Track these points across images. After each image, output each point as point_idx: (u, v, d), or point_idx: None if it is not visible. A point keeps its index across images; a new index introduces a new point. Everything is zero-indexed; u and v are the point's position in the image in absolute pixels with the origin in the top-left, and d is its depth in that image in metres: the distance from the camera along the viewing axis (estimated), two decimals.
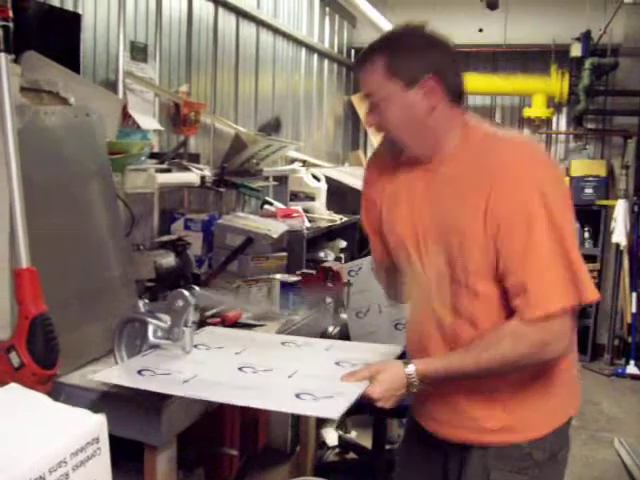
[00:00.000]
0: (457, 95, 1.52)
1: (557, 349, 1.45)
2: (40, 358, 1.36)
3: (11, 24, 1.49)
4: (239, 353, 1.71)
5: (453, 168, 1.51)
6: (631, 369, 5.23)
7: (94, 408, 0.98)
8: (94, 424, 0.93)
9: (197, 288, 1.67)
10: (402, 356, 1.67)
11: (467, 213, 1.46)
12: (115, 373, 1.58)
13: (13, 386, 1.01)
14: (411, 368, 1.48)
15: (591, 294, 1.41)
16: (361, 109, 6.00)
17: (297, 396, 1.40)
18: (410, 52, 1.47)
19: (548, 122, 5.96)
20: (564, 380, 1.60)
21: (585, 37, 5.30)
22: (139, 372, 1.54)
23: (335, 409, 1.36)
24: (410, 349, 1.69)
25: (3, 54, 1.48)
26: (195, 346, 1.69)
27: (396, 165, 1.62)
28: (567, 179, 5.63)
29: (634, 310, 5.34)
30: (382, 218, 1.68)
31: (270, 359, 1.65)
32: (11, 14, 1.49)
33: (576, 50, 5.39)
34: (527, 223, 1.40)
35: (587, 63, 5.29)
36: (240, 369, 1.57)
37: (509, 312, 1.47)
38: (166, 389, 1.48)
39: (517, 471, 1.56)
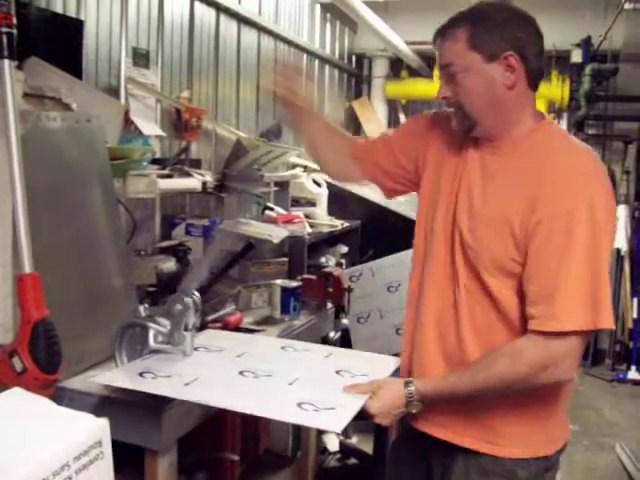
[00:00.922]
0: (536, 78, 1.51)
1: (555, 374, 1.41)
2: (42, 363, 1.36)
3: (15, 31, 1.50)
4: (240, 356, 1.71)
5: (510, 155, 1.49)
6: (632, 374, 5.23)
7: (95, 412, 0.98)
8: (97, 428, 0.94)
9: (197, 293, 1.67)
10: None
11: (507, 205, 1.44)
12: (116, 376, 1.59)
13: (16, 390, 1.02)
14: (411, 389, 1.47)
15: (607, 322, 1.36)
16: (362, 115, 6.02)
17: (299, 405, 1.40)
18: (493, 26, 1.45)
19: None
20: (561, 408, 1.57)
21: (585, 43, 5.32)
22: (140, 374, 1.55)
23: (337, 422, 1.36)
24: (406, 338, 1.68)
25: (7, 60, 1.49)
26: (195, 348, 1.70)
27: (456, 138, 1.60)
28: None
29: (635, 315, 5.34)
30: (420, 174, 1.68)
31: (270, 364, 1.66)
32: (15, 21, 1.50)
33: (576, 56, 5.41)
34: (568, 231, 1.36)
35: (587, 69, 5.31)
36: (241, 373, 1.58)
37: (513, 317, 1.46)
38: (167, 392, 1.49)
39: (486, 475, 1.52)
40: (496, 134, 1.52)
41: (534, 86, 1.52)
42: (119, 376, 1.58)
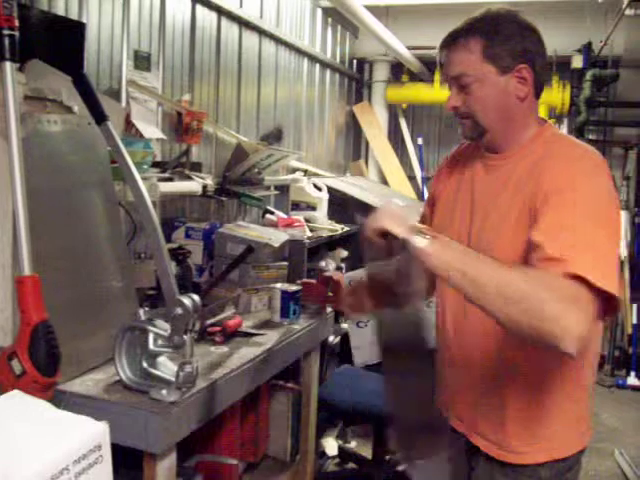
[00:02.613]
0: (541, 88, 1.55)
1: (572, 333, 1.18)
2: (42, 366, 1.36)
3: (17, 33, 1.50)
4: None
5: (515, 164, 1.52)
6: (632, 380, 5.23)
7: (94, 416, 0.98)
8: (97, 431, 0.94)
9: (196, 296, 1.67)
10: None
11: (519, 203, 1.45)
12: None
13: (15, 393, 1.01)
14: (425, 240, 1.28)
15: (613, 287, 1.25)
16: (363, 120, 6.03)
17: None
18: (507, 38, 1.47)
19: None
20: (585, 408, 1.59)
21: (586, 49, 5.33)
22: None
23: None
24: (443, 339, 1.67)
25: (9, 62, 1.49)
26: None
27: (465, 162, 1.65)
28: None
29: (635, 321, 5.34)
30: (436, 210, 1.71)
31: None
32: (17, 23, 1.50)
33: (577, 61, 5.42)
34: (574, 201, 1.32)
35: (588, 74, 5.32)
36: None
37: None
38: None
39: None
40: (504, 143, 1.55)
41: (538, 95, 1.55)
42: None
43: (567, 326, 1.17)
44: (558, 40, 5.39)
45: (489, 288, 1.22)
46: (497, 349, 1.52)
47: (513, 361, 1.51)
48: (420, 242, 1.27)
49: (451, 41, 1.51)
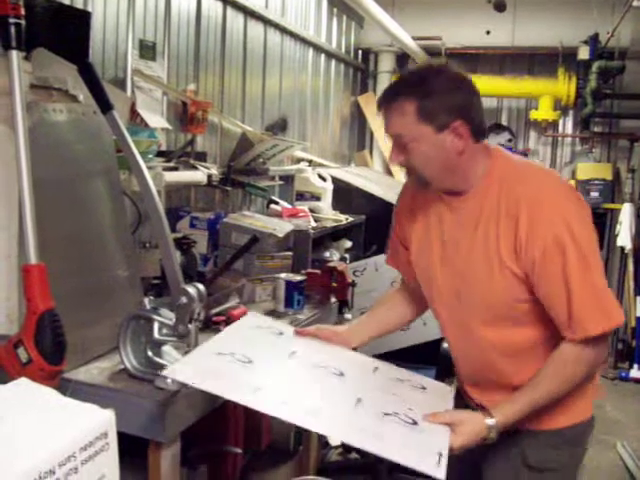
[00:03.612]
0: (481, 132, 1.56)
1: (597, 363, 1.56)
2: (48, 354, 1.37)
3: (23, 21, 1.50)
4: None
5: (479, 201, 1.56)
6: (635, 373, 5.22)
7: (99, 404, 0.99)
8: (103, 419, 0.94)
9: (201, 286, 1.67)
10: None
11: (493, 246, 1.52)
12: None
13: (22, 381, 1.02)
14: (492, 421, 1.50)
15: (617, 319, 1.49)
16: (368, 110, 6.02)
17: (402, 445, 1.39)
18: (439, 97, 1.49)
19: (554, 125, 5.97)
20: (596, 376, 1.71)
21: (593, 40, 5.30)
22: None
23: (438, 468, 1.34)
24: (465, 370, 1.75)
25: (15, 51, 1.49)
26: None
27: (426, 197, 1.68)
28: (573, 182, 5.63)
29: (638, 314, 5.33)
30: (411, 250, 1.75)
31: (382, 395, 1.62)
32: (23, 11, 1.50)
33: (583, 53, 5.39)
34: (561, 259, 1.45)
35: (594, 66, 5.29)
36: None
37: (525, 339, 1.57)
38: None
39: (552, 447, 1.64)
40: (455, 188, 1.59)
41: (481, 137, 1.57)
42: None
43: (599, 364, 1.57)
44: (565, 31, 5.38)
45: (542, 405, 1.54)
46: (511, 333, 1.59)
47: (531, 340, 1.59)
48: (492, 440, 1.51)
49: (386, 103, 1.55)
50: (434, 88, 1.49)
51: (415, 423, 1.47)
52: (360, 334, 1.87)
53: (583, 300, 1.45)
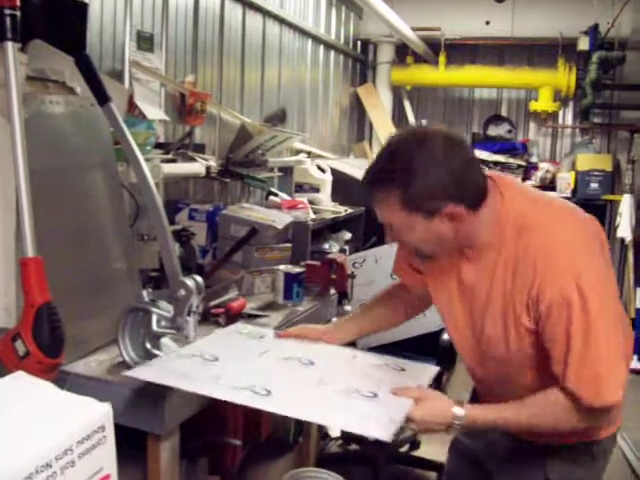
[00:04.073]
0: (478, 200, 1.45)
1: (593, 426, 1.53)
2: (45, 347, 1.37)
3: (18, 12, 1.49)
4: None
5: (493, 255, 1.48)
6: (635, 364, 5.22)
7: (97, 397, 0.98)
8: (100, 412, 0.94)
9: (200, 278, 1.67)
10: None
11: (509, 301, 1.46)
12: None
13: (19, 374, 1.02)
14: (461, 412, 1.45)
15: (610, 398, 1.43)
16: (367, 101, 6.00)
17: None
18: (423, 182, 1.38)
19: (554, 116, 5.96)
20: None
21: (593, 31, 5.27)
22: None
23: (384, 431, 1.33)
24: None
25: (10, 43, 1.48)
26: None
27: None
28: (573, 174, 5.63)
29: (638, 305, 5.33)
30: (428, 283, 1.70)
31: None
32: (18, 2, 1.49)
33: (583, 44, 5.36)
34: (567, 318, 1.38)
35: (594, 57, 5.27)
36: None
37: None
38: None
39: (573, 461, 1.61)
40: (465, 245, 1.52)
41: (479, 204, 1.46)
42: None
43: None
44: (565, 22, 5.35)
45: (514, 428, 1.52)
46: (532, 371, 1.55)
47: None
48: (455, 432, 1.52)
49: (370, 189, 1.48)
50: (416, 171, 1.38)
51: (375, 396, 1.47)
52: (348, 331, 1.84)
53: (581, 369, 1.39)
